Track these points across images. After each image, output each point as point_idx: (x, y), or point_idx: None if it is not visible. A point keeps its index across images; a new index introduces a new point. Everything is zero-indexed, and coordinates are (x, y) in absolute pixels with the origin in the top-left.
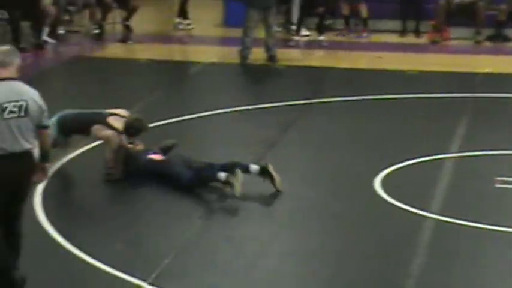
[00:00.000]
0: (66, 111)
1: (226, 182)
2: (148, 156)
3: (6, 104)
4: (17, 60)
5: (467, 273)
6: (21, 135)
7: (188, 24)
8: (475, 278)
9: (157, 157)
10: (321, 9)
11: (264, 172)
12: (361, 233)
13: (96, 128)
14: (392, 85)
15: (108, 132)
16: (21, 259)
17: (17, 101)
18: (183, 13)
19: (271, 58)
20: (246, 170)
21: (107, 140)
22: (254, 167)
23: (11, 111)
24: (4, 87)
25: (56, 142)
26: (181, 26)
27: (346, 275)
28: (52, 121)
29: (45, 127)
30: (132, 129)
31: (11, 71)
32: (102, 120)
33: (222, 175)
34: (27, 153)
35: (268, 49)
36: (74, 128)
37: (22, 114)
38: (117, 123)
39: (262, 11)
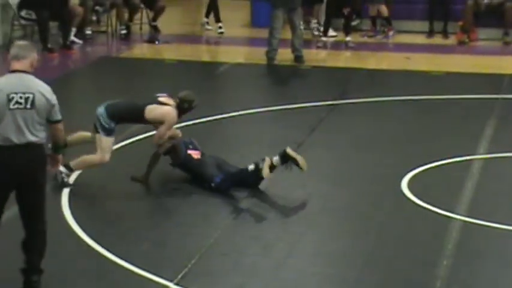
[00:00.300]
0: (113, 101)
1: (255, 169)
2: (187, 151)
3: (13, 95)
4: (32, 54)
5: (494, 274)
6: (26, 127)
7: (220, 27)
8: (502, 279)
9: (195, 154)
10: (346, 10)
11: (285, 158)
12: (388, 234)
13: (152, 108)
14: (420, 86)
15: (165, 107)
16: (49, 259)
17: (24, 93)
18: (215, 15)
19: (298, 59)
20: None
21: (164, 116)
22: (275, 159)
23: (17, 102)
24: (14, 79)
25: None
26: (208, 27)
27: (373, 276)
28: (100, 111)
29: (56, 121)
30: (185, 102)
31: (24, 64)
32: (154, 101)
33: (251, 166)
34: (33, 145)
35: (294, 50)
36: (126, 116)
37: (28, 106)
38: (170, 101)
39: (288, 12)
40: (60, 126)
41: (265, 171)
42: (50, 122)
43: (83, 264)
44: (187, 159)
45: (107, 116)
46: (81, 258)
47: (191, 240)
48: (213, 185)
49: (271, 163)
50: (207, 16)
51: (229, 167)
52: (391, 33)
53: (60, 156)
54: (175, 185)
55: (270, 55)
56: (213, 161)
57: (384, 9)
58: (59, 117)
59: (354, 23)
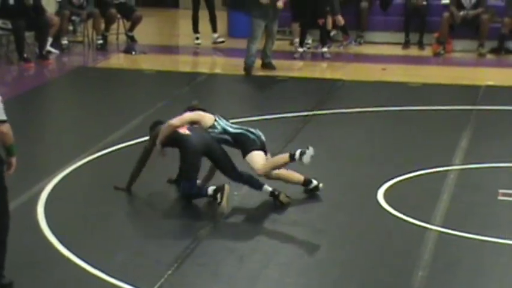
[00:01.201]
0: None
1: (213, 196)
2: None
3: None
4: None
5: (469, 284)
6: None
7: (197, 38)
8: None
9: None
10: (321, 21)
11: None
12: (364, 244)
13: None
14: (396, 97)
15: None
16: (24, 270)
17: None
18: (213, 25)
19: (269, 65)
20: (259, 187)
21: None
22: (267, 189)
23: None
24: None
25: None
26: (198, 41)
27: (349, 286)
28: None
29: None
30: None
31: None
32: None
33: (210, 189)
34: None
35: (265, 56)
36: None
37: None
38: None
39: (267, 21)
40: (5, 127)
41: (224, 204)
42: None
43: (59, 275)
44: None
45: None
46: (56, 269)
47: (168, 251)
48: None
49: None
50: (195, 30)
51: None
52: (345, 42)
53: (13, 159)
54: (153, 195)
55: (249, 62)
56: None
57: (340, 19)
58: (3, 117)
59: (332, 34)
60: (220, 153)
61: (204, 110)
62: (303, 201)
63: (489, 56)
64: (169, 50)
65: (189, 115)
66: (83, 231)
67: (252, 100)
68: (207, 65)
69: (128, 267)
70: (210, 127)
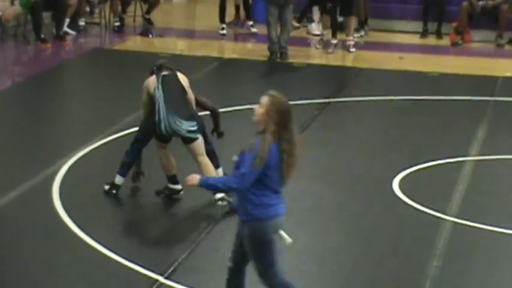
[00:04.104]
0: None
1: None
2: None
3: None
4: None
5: (482, 276)
6: None
7: (222, 29)
8: (490, 280)
9: None
10: (329, 5)
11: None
12: (379, 234)
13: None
14: (412, 86)
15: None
16: (38, 250)
17: None
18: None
19: (283, 55)
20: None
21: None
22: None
23: None
24: None
25: None
26: (223, 32)
27: (363, 274)
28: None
29: None
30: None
31: None
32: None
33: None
34: None
35: (280, 46)
36: None
37: None
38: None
39: (279, 8)
40: None
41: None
42: None
43: (73, 256)
44: None
45: None
46: (70, 250)
47: (182, 235)
48: None
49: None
50: (222, 20)
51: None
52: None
53: None
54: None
55: (272, 49)
56: None
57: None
58: None
59: (340, 21)
60: None
61: (170, 69)
62: (318, 189)
63: (507, 47)
64: (187, 33)
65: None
66: (97, 213)
67: (267, 87)
68: (224, 50)
69: (142, 251)
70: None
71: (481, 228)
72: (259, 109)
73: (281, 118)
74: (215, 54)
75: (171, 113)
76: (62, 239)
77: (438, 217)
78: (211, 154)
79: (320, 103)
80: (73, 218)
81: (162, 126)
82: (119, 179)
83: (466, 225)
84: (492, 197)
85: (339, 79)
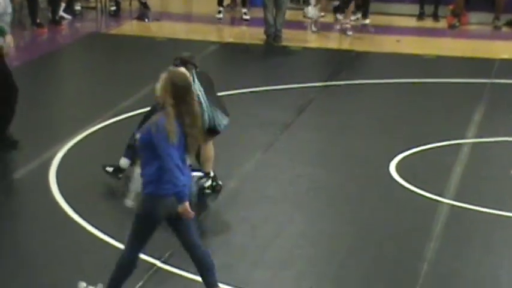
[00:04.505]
0: None
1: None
2: None
3: None
4: None
5: (480, 257)
6: None
7: (219, 12)
8: (488, 264)
9: None
10: None
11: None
12: (376, 217)
13: None
14: (409, 69)
15: None
16: (34, 233)
17: None
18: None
19: (276, 38)
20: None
21: None
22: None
23: None
24: None
25: None
26: (220, 16)
27: (359, 258)
28: None
29: None
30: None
31: None
32: None
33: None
34: None
35: (275, 29)
36: None
37: None
38: None
39: None
40: None
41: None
42: None
43: (70, 241)
44: None
45: None
46: (66, 234)
47: None
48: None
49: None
50: (220, 3)
51: None
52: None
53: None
54: None
55: (269, 32)
56: None
57: None
58: None
59: (336, 4)
60: None
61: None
62: (314, 173)
63: (504, 29)
64: (183, 17)
65: None
66: (94, 197)
67: (263, 70)
68: (221, 33)
69: None
70: None
71: (478, 211)
72: (158, 85)
73: (178, 92)
74: (212, 39)
75: (214, 107)
76: (58, 223)
77: (435, 200)
78: None
79: (317, 86)
80: (70, 203)
81: (206, 117)
82: (124, 162)
83: (463, 207)
84: (489, 179)
85: (335, 62)
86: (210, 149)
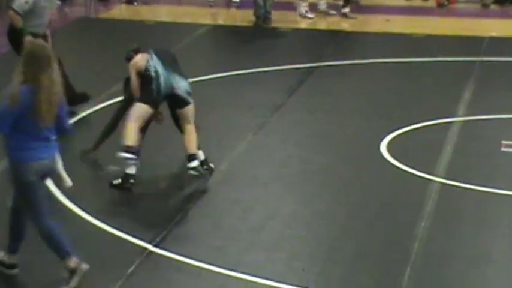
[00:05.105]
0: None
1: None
2: None
3: None
4: None
5: (471, 236)
6: None
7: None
8: (479, 241)
9: None
10: None
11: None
12: (368, 196)
13: None
14: (399, 48)
15: None
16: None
17: None
18: None
19: (265, 20)
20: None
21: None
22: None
23: None
24: None
25: None
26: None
27: (351, 238)
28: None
29: None
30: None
31: None
32: None
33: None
34: None
35: (264, 10)
36: None
37: None
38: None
39: None
40: None
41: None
42: None
43: (62, 227)
44: None
45: None
46: (59, 221)
47: (171, 203)
48: None
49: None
50: None
51: None
52: None
53: None
54: (158, 151)
55: (258, 13)
56: None
57: None
58: None
59: None
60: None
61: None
62: (306, 154)
63: (493, 7)
64: (173, 1)
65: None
66: (86, 184)
67: (254, 52)
68: (210, 16)
69: (132, 220)
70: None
71: (469, 189)
72: None
73: (31, 61)
74: (202, 21)
75: (172, 73)
76: (50, 209)
77: (426, 178)
78: None
79: (307, 67)
80: (61, 189)
81: (162, 86)
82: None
83: (454, 185)
84: (479, 157)
85: (325, 43)
86: (191, 130)
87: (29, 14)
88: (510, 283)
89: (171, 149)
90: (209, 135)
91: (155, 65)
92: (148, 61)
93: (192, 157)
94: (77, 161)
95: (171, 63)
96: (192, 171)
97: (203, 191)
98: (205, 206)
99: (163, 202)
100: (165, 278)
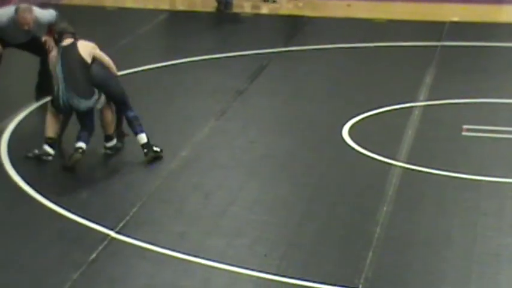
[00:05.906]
0: None
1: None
2: None
3: None
4: None
5: (433, 219)
6: None
7: None
8: (440, 226)
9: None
10: None
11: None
12: (330, 181)
13: None
14: (361, 34)
15: None
16: None
17: None
18: None
19: (227, 5)
20: (136, 132)
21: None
22: (142, 138)
23: None
24: None
25: None
26: None
27: (314, 222)
28: None
29: None
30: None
31: None
32: None
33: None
34: None
35: None
36: None
37: None
38: None
39: None
40: None
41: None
42: None
43: (22, 214)
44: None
45: None
46: (19, 207)
47: (132, 189)
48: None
49: None
50: None
51: None
52: None
53: None
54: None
55: None
56: None
57: None
58: None
59: None
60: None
61: (72, 34)
62: (268, 138)
63: None
64: None
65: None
66: (47, 169)
67: (215, 37)
68: (172, 2)
69: (93, 205)
70: None
71: (430, 173)
72: None
73: None
74: (163, 7)
75: (70, 92)
76: (10, 195)
77: (388, 163)
78: (131, 121)
79: (269, 53)
80: (21, 174)
81: (60, 102)
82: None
83: (415, 170)
84: (441, 141)
85: (287, 29)
86: (108, 113)
87: None
88: (470, 267)
89: (131, 135)
90: (171, 121)
91: (58, 74)
92: (55, 66)
93: (110, 137)
94: (38, 144)
95: (74, 75)
96: (108, 151)
97: (165, 177)
98: (167, 191)
99: (124, 188)
100: (127, 265)
